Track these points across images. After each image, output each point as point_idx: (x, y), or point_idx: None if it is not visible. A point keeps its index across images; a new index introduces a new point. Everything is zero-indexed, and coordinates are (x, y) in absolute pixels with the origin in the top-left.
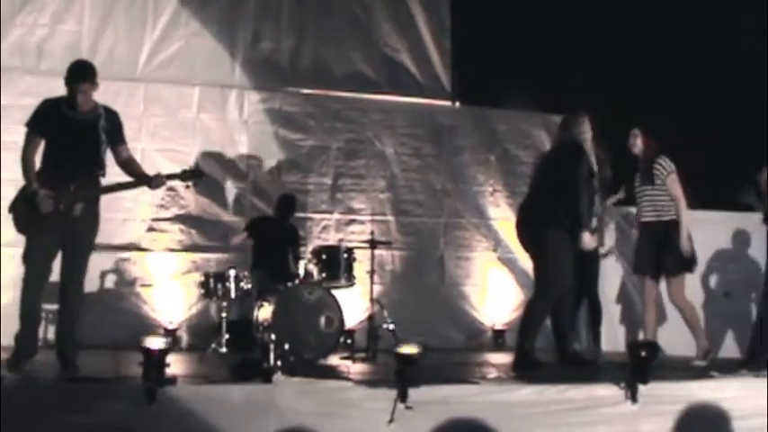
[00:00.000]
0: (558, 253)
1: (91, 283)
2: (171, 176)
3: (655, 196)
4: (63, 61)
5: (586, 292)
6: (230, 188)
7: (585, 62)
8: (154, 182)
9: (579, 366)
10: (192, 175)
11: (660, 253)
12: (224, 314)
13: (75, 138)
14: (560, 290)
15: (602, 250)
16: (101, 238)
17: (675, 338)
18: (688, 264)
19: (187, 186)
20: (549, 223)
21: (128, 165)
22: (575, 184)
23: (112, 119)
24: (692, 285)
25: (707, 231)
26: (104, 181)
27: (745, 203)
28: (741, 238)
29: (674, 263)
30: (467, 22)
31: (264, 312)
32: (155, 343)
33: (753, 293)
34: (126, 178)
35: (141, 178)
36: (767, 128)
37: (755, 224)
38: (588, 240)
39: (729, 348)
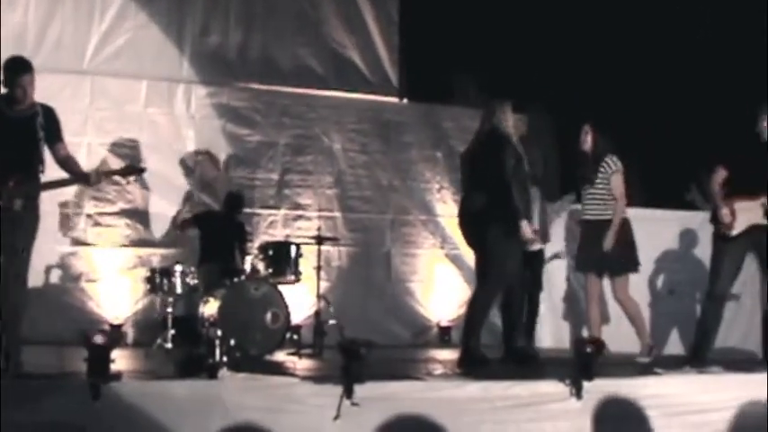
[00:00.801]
0: (500, 248)
1: (35, 279)
2: (111, 173)
3: (598, 194)
4: (8, 52)
5: (529, 289)
6: (177, 183)
7: (534, 59)
8: (92, 179)
9: (526, 363)
10: (133, 171)
11: (603, 252)
12: (170, 309)
13: (13, 136)
14: (503, 286)
15: (541, 247)
16: (46, 234)
17: (620, 335)
18: (630, 264)
19: (128, 182)
20: (487, 217)
21: (66, 162)
22: (502, 173)
23: (50, 116)
24: (638, 283)
25: (654, 229)
26: (45, 177)
27: (692, 202)
28: (687, 236)
29: (618, 263)
30: (415, 19)
31: (210, 308)
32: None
33: (697, 292)
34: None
35: (79, 176)
36: (716, 127)
37: (702, 223)
38: (527, 229)
39: (674, 345)
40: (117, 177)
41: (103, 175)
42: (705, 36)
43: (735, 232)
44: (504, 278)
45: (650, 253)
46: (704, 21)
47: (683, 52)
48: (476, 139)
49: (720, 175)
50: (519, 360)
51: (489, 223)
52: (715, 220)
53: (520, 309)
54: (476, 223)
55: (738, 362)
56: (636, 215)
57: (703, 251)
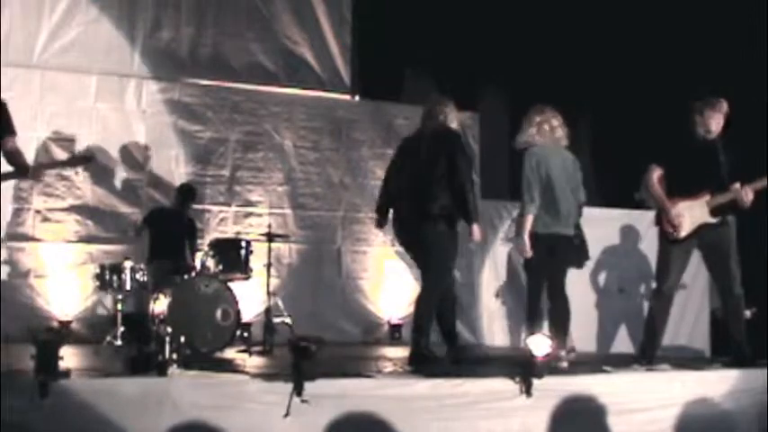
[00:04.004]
0: (448, 247)
1: None
2: (57, 164)
3: None
4: None
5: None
6: (127, 179)
7: (486, 57)
8: (32, 172)
9: (462, 362)
10: (81, 161)
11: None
12: (119, 306)
13: None
14: (447, 284)
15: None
16: None
17: (574, 333)
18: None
19: (76, 173)
20: (438, 216)
21: (12, 155)
22: (462, 174)
23: (1, 109)
24: (587, 282)
25: (602, 228)
26: None
27: (640, 201)
28: (635, 235)
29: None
30: (367, 16)
31: (160, 305)
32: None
33: (645, 289)
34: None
35: (20, 169)
36: (660, 126)
37: (648, 222)
38: (479, 233)
39: (623, 343)
40: (68, 171)
41: (43, 168)
42: (654, 34)
43: (684, 234)
44: (449, 276)
45: (599, 251)
46: (654, 21)
47: (632, 52)
48: (426, 136)
49: (656, 173)
50: (457, 359)
51: (439, 222)
52: (660, 221)
53: (454, 308)
54: (425, 221)
55: (686, 360)
56: (586, 214)
57: (650, 249)
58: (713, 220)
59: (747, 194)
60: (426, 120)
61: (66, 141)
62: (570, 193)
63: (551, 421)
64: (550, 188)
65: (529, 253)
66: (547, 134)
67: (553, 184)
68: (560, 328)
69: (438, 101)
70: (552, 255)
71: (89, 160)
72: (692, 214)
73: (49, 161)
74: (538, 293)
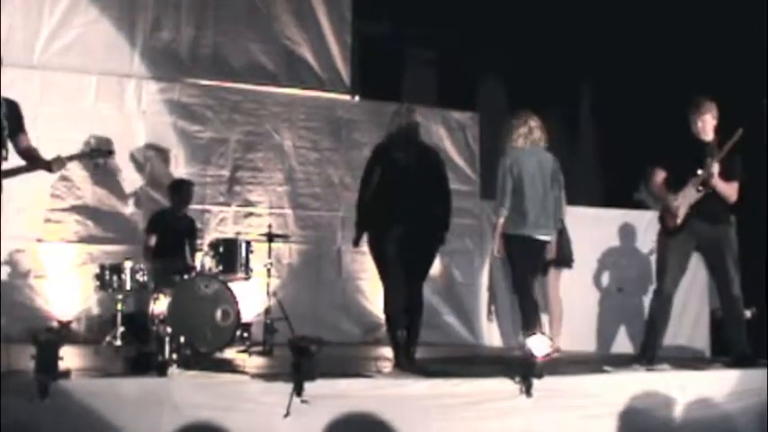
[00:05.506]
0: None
1: None
2: (78, 156)
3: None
4: None
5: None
6: (127, 179)
7: (483, 58)
8: (54, 165)
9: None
10: (101, 153)
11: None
12: (119, 307)
13: None
14: None
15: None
16: None
17: (574, 333)
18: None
19: (96, 165)
20: (436, 225)
21: (27, 152)
22: (449, 188)
23: (13, 109)
24: (587, 281)
25: (602, 228)
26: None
27: (639, 201)
28: (635, 234)
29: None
30: (367, 16)
31: (160, 305)
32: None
33: (645, 289)
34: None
35: (41, 162)
36: (659, 127)
37: (650, 222)
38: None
39: (623, 343)
40: (70, 172)
41: (66, 160)
42: (654, 35)
43: (681, 218)
44: None
45: (598, 251)
46: (654, 21)
47: (632, 53)
48: (411, 150)
49: (659, 176)
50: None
51: (438, 230)
52: (662, 217)
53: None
54: (430, 229)
55: (686, 360)
56: (584, 214)
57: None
58: (700, 194)
59: (712, 166)
60: (405, 131)
61: (76, 143)
62: (543, 196)
63: (551, 421)
64: (521, 191)
65: (499, 254)
66: (525, 136)
67: (524, 187)
68: (528, 326)
69: (410, 110)
70: (521, 255)
71: (110, 153)
72: (684, 198)
73: (70, 155)
74: (524, 293)
